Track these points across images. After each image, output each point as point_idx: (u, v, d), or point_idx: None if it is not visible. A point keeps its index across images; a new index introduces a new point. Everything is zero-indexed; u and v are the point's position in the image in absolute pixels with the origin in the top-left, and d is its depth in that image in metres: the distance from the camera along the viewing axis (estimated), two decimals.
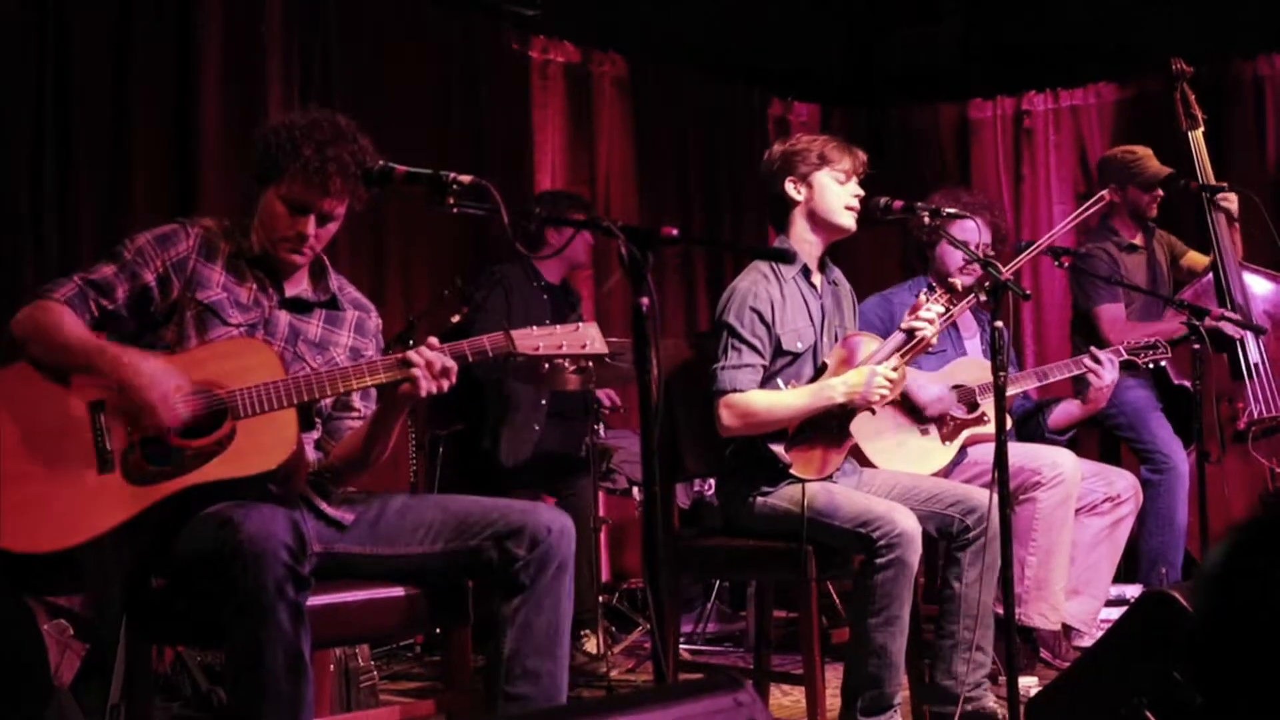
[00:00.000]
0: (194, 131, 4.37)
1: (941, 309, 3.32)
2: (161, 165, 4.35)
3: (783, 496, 3.22)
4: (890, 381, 3.24)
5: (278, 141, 2.58)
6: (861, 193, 3.35)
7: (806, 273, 3.38)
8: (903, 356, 3.32)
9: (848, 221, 3.34)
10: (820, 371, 3.33)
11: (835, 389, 3.21)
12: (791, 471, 3.22)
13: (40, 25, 4.06)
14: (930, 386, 3.90)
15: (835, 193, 3.33)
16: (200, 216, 2.68)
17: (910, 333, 3.29)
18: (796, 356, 3.31)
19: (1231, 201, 4.68)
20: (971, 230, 4.00)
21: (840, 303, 3.46)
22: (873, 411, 3.29)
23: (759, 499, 3.25)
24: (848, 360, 3.33)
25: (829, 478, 3.28)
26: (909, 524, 3.06)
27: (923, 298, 3.34)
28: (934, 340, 3.33)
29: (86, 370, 2.43)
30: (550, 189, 5.47)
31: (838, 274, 3.52)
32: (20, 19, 4.02)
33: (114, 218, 4.15)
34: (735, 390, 3.21)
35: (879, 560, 3.04)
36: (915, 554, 3.07)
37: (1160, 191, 4.74)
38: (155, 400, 2.38)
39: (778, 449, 3.21)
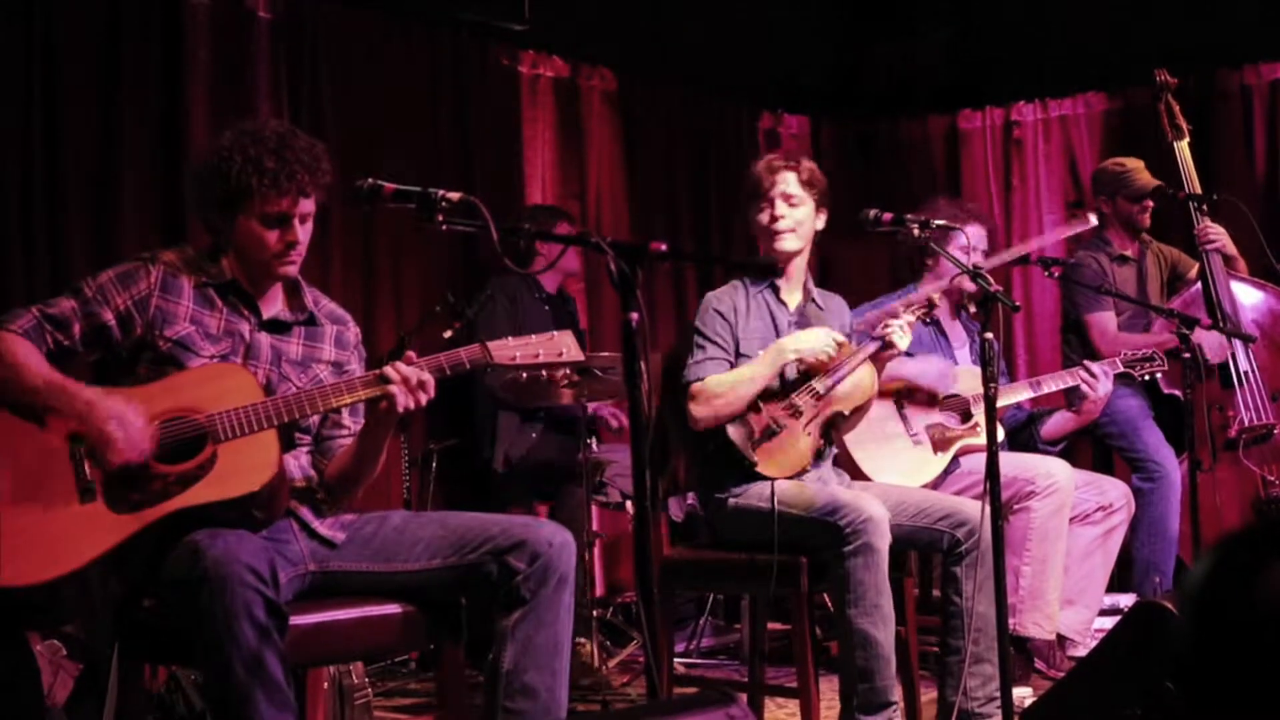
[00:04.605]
0: (182, 152, 4.35)
1: (913, 318, 3.36)
2: (150, 187, 4.34)
3: (752, 495, 3.26)
4: (838, 344, 3.30)
5: (235, 167, 2.55)
6: (782, 214, 3.37)
7: (775, 289, 3.44)
8: (875, 362, 3.38)
9: (772, 244, 3.40)
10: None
11: (783, 347, 3.29)
12: (759, 470, 3.25)
13: (27, 47, 4.06)
14: (926, 362, 3.92)
15: (758, 222, 3.42)
16: (161, 250, 2.66)
17: (883, 339, 3.33)
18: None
19: (1223, 240, 4.68)
20: (975, 237, 4.07)
21: (820, 324, 3.48)
22: (842, 416, 3.33)
23: (731, 500, 3.28)
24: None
25: (798, 476, 3.30)
26: (875, 509, 3.08)
27: (898, 305, 3.37)
28: (903, 345, 3.38)
29: (45, 409, 2.42)
30: (540, 203, 5.48)
31: (828, 300, 3.57)
32: (6, 42, 4.02)
33: (103, 246, 4.14)
34: (701, 379, 3.27)
35: (847, 548, 3.06)
36: (883, 539, 3.08)
37: (1150, 203, 4.77)
38: (116, 437, 2.38)
39: (737, 438, 3.24)
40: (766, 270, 3.23)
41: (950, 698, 3.24)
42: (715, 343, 3.32)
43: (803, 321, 3.45)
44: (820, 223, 3.45)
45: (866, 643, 3.06)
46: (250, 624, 2.24)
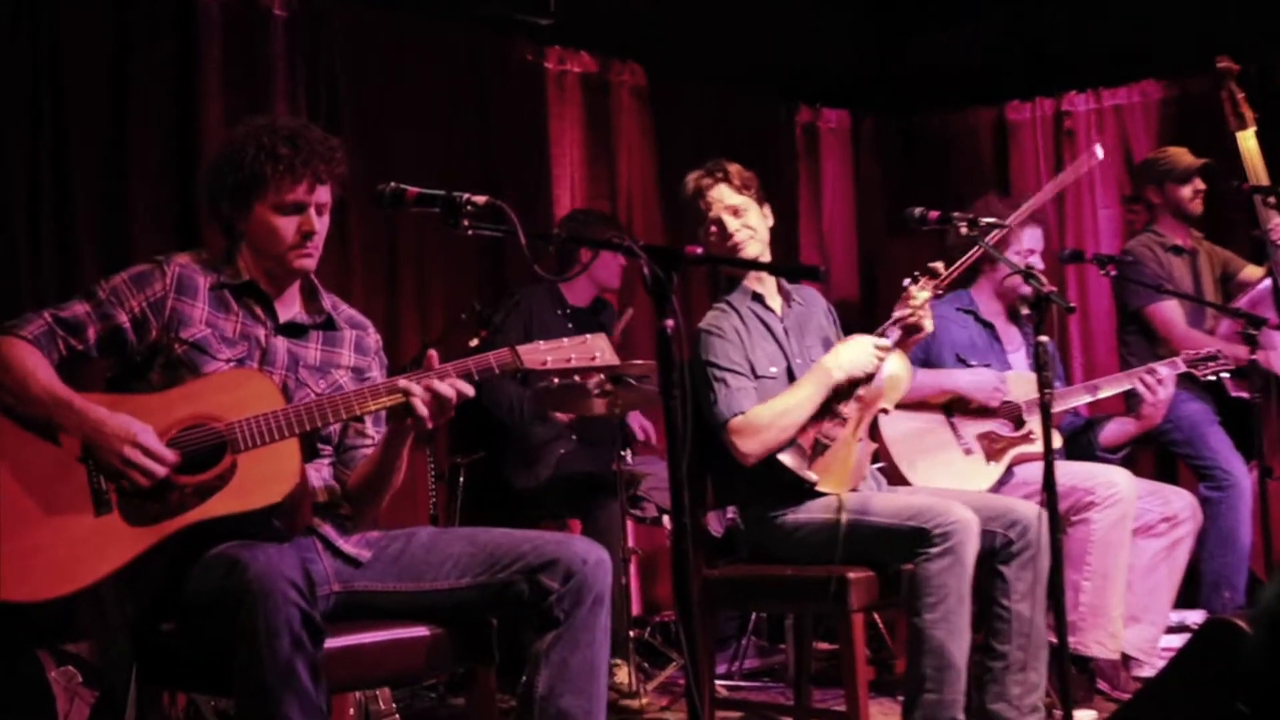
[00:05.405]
0: (195, 154, 4.38)
1: (928, 294, 3.33)
2: (162, 191, 4.37)
3: (814, 509, 3.23)
4: (881, 351, 3.28)
5: (248, 156, 2.59)
6: (733, 229, 3.37)
7: (759, 299, 3.45)
8: (900, 348, 3.35)
9: (741, 254, 3.38)
10: None
11: (830, 369, 3.26)
12: (817, 488, 3.23)
13: (34, 47, 4.09)
14: (978, 377, 3.90)
15: (710, 244, 3.40)
16: (176, 252, 2.69)
17: (900, 322, 3.31)
18: (774, 381, 3.35)
19: None
20: (1030, 239, 4.05)
21: (808, 321, 3.52)
22: (885, 412, 3.33)
23: (789, 516, 3.25)
24: None
25: (854, 488, 3.29)
26: (965, 513, 3.07)
27: (907, 284, 3.35)
28: (929, 326, 3.35)
29: (50, 423, 2.44)
30: (571, 205, 5.48)
31: (803, 293, 3.58)
32: (13, 42, 4.06)
33: (113, 248, 4.17)
34: (739, 413, 3.23)
35: (933, 549, 3.04)
36: (972, 547, 3.06)
37: (1201, 184, 4.75)
38: (135, 461, 2.39)
39: (791, 462, 3.21)
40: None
41: (990, 705, 3.19)
42: (735, 371, 3.31)
43: (793, 325, 3.46)
44: (769, 218, 3.47)
45: (938, 651, 3.03)
46: (295, 647, 2.24)
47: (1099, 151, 3.54)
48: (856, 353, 3.27)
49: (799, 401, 3.25)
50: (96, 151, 4.25)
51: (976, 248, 3.42)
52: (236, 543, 2.37)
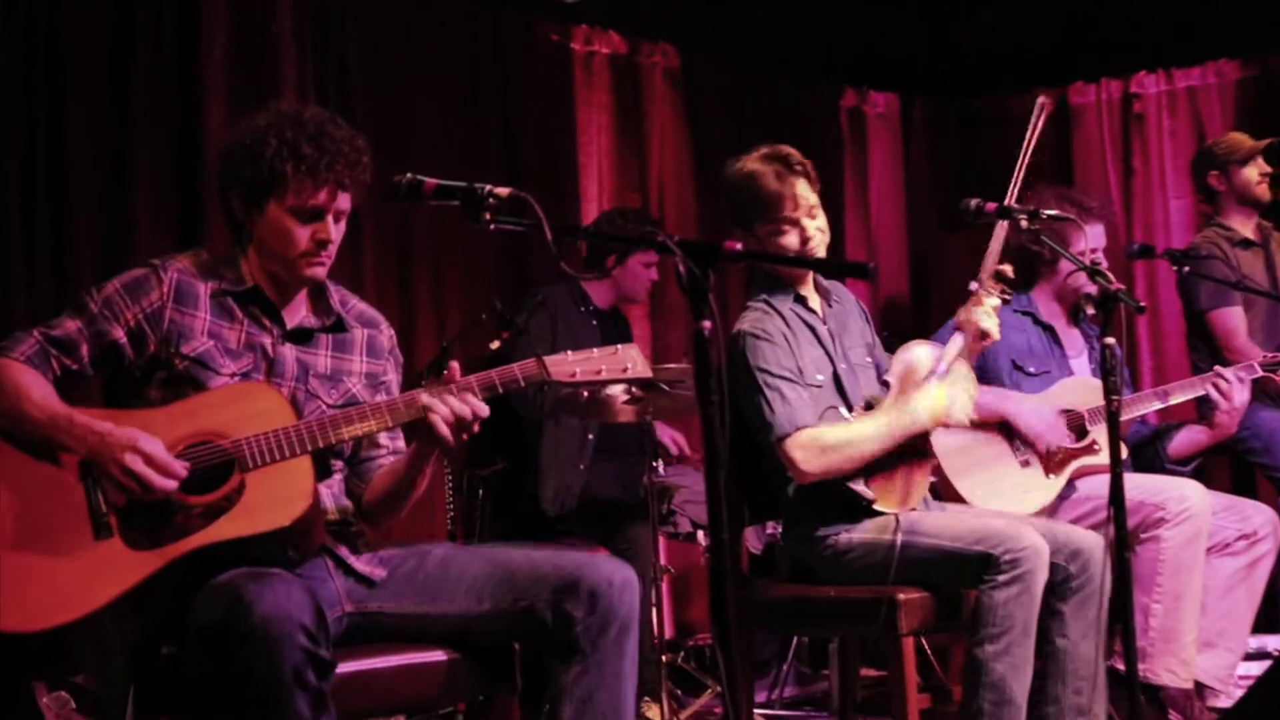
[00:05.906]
0: (199, 148, 4.41)
1: (997, 301, 3.30)
2: (163, 187, 4.40)
3: (868, 529, 3.21)
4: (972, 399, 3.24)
5: (269, 150, 2.56)
6: (811, 233, 3.32)
7: (801, 299, 3.42)
8: (967, 359, 3.31)
9: (807, 250, 3.33)
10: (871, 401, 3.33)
11: (918, 414, 3.20)
12: (875, 506, 3.21)
13: (30, 33, 4.13)
14: (1038, 411, 3.87)
15: (782, 245, 3.32)
16: (172, 256, 2.67)
17: (968, 330, 3.28)
18: (820, 389, 3.32)
19: None
20: (1093, 236, 4.01)
21: (847, 321, 3.50)
22: (945, 425, 3.28)
23: (841, 536, 3.23)
24: (910, 374, 3.31)
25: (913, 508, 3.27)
26: (1036, 539, 3.05)
27: (974, 287, 3.32)
28: (995, 332, 3.31)
29: (50, 443, 2.44)
30: (599, 196, 5.49)
31: (837, 292, 3.55)
32: (7, 27, 4.09)
33: (113, 246, 4.20)
34: (801, 428, 3.20)
35: (1001, 577, 3.02)
36: (1042, 576, 3.04)
37: (1266, 166, 4.72)
38: (137, 471, 2.38)
39: (859, 488, 3.19)
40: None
41: None
42: (788, 379, 3.26)
43: (835, 327, 3.45)
44: None
45: (999, 686, 3.01)
46: (304, 693, 2.25)
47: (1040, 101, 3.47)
48: (949, 404, 3.20)
49: (874, 439, 3.19)
50: (96, 144, 4.28)
51: (1001, 224, 3.38)
52: (244, 571, 2.36)
